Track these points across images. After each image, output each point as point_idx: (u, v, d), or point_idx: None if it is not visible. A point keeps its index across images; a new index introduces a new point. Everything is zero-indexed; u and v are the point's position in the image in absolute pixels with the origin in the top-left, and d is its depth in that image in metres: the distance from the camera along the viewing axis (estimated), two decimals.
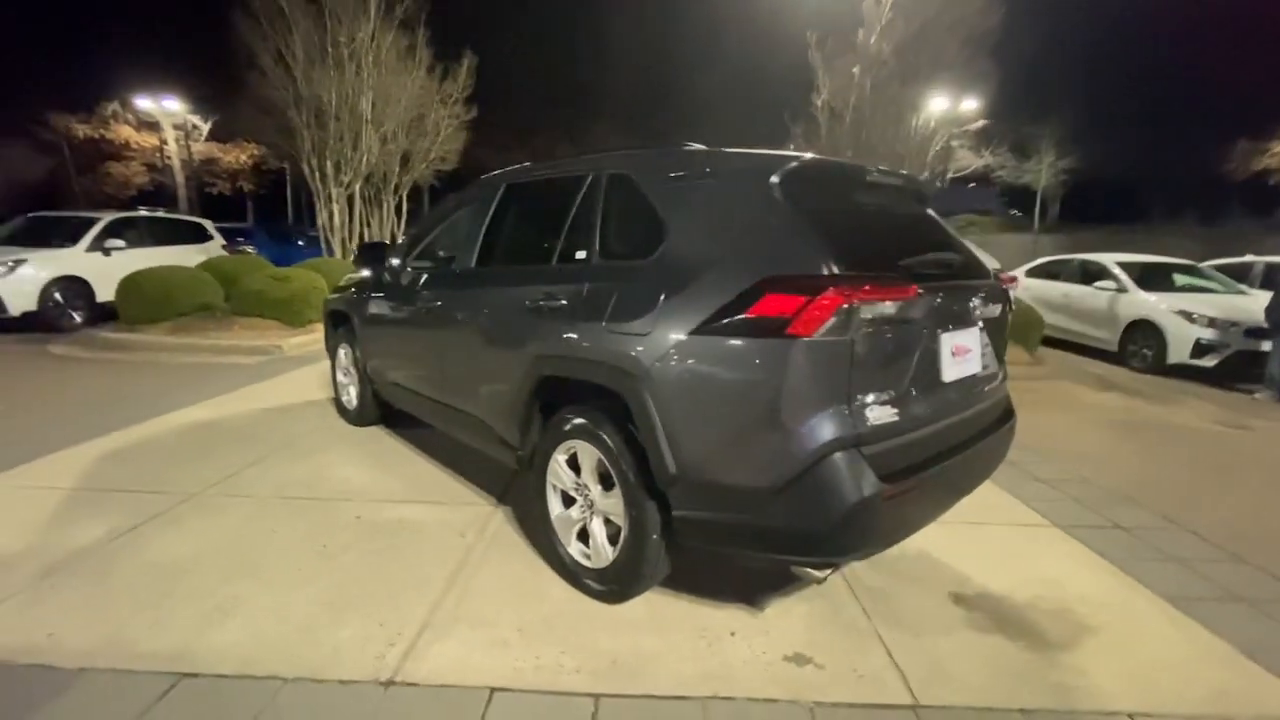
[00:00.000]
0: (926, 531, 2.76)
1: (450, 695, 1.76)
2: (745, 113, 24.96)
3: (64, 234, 8.32)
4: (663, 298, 1.92)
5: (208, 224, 10.83)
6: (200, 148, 28.50)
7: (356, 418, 4.24)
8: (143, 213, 9.73)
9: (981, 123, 23.54)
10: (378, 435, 4.08)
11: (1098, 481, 3.57)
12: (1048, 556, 2.70)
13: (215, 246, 10.38)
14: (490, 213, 2.89)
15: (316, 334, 6.58)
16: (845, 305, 1.64)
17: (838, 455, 1.70)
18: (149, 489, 3.10)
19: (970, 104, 22.61)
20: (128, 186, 29.57)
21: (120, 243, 8.65)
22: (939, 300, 1.98)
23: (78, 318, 7.95)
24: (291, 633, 2.02)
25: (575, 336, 2.18)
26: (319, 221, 11.57)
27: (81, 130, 26.76)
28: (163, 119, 25.42)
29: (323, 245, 11.57)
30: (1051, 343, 8.39)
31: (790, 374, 1.68)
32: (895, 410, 1.82)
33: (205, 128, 28.77)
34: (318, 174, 11.20)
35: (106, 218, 8.75)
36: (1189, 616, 2.25)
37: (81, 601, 2.16)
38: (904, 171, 2.47)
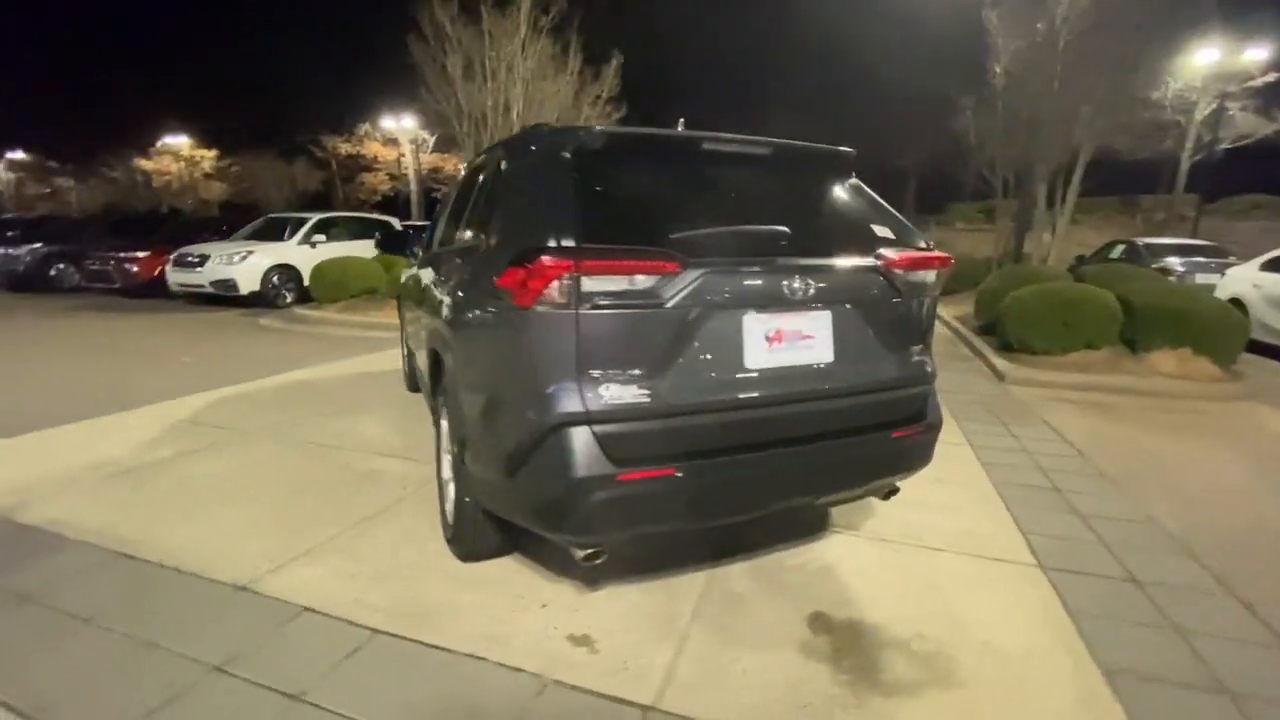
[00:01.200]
0: (857, 547, 2.47)
1: (272, 605, 2.08)
2: (915, 91, 22.36)
3: (284, 230, 10.57)
4: (474, 273, 2.02)
5: (395, 222, 12.87)
6: (428, 158, 33.47)
7: (409, 385, 4.89)
8: (339, 214, 11.92)
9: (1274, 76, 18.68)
10: (420, 400, 4.66)
11: (1164, 525, 2.79)
12: (984, 597, 2.23)
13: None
14: (451, 198, 3.18)
15: None
16: (564, 277, 1.59)
17: (565, 431, 1.66)
18: (224, 426, 3.95)
19: (1257, 53, 17.92)
20: (375, 193, 36.22)
21: (322, 237, 10.71)
22: (741, 279, 1.79)
23: (288, 297, 10.05)
24: (218, 539, 2.51)
25: (441, 311, 2.36)
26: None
27: (344, 148, 33.43)
28: (400, 135, 30.47)
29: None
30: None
31: (520, 345, 1.68)
32: (645, 391, 1.70)
33: (431, 141, 33.60)
34: None
35: (314, 217, 10.92)
36: (1117, 701, 1.73)
37: (114, 498, 2.90)
38: (779, 139, 2.20)
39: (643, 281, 1.65)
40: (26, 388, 5.09)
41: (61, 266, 11.24)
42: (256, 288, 9.73)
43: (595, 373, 1.67)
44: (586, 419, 1.65)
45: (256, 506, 2.82)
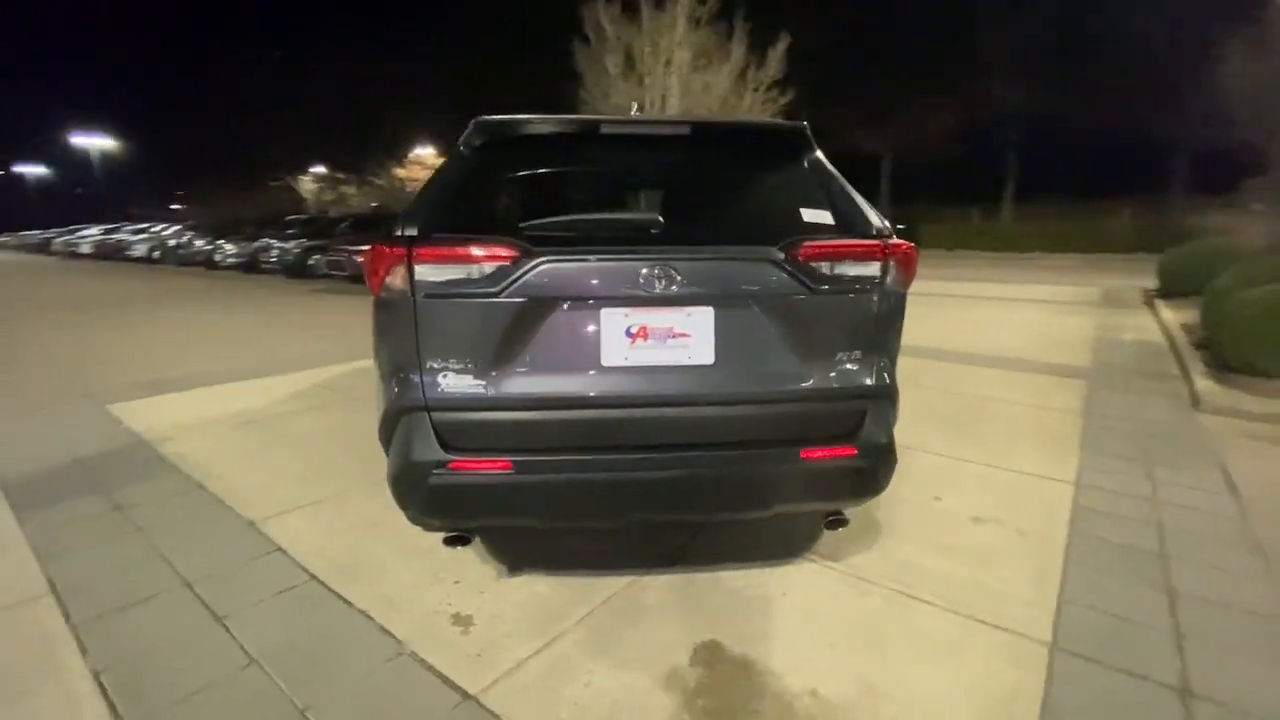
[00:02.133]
0: (821, 580, 2.20)
1: (259, 542, 2.47)
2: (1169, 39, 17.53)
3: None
4: None
5: None
6: None
7: None
8: None
9: None
10: None
11: None
12: (936, 669, 1.79)
13: None
14: None
15: None
16: (400, 265, 1.63)
17: (408, 415, 1.71)
18: (343, 390, 4.70)
19: None
20: None
21: None
22: (597, 270, 1.65)
23: None
24: (266, 481, 3.03)
25: None
26: None
27: None
28: None
29: None
30: None
31: (377, 331, 1.76)
32: (482, 382, 1.67)
33: None
34: None
35: None
36: None
37: (227, 441, 3.64)
38: (710, 117, 1.94)
39: (481, 270, 1.63)
40: (244, 351, 6.57)
41: (316, 257, 14.12)
42: None
43: (434, 361, 1.69)
44: (425, 406, 1.69)
45: (310, 459, 3.34)
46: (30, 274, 18.78)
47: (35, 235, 36.43)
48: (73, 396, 4.54)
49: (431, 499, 1.73)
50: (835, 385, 1.79)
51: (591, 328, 1.68)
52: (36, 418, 4.06)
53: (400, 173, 47.75)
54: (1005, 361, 5.67)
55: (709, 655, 1.84)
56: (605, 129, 1.88)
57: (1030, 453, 3.43)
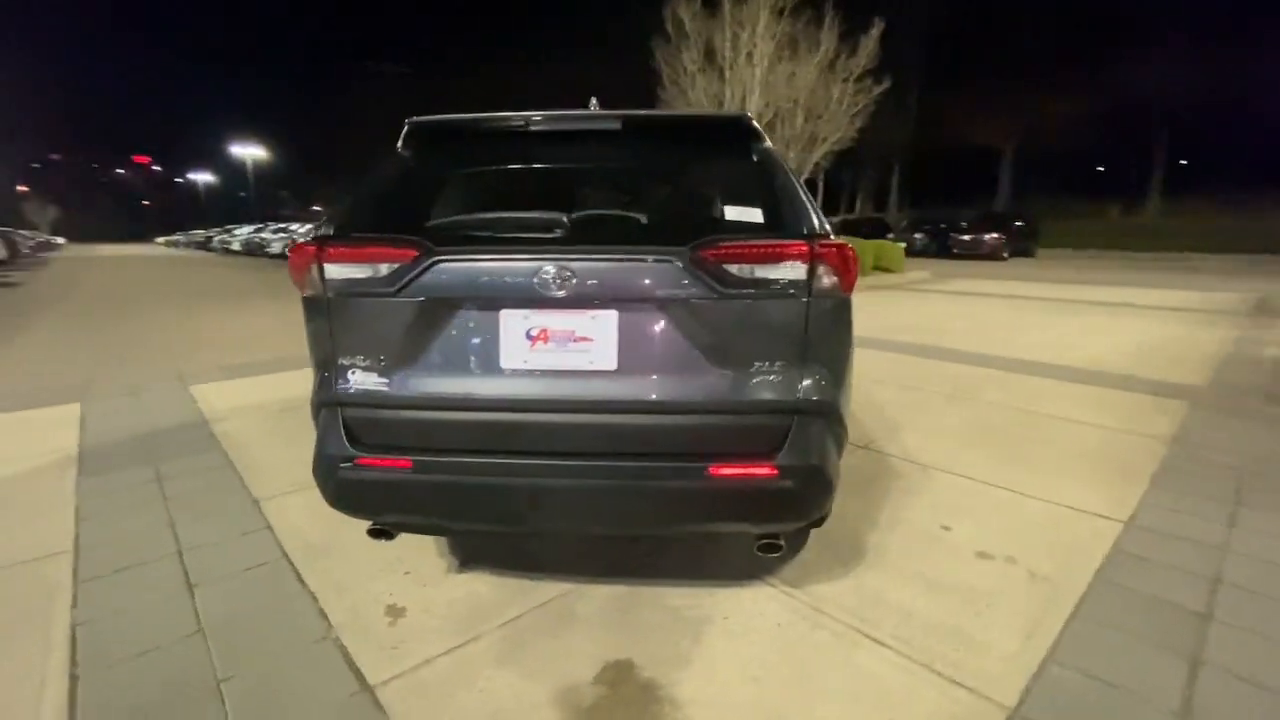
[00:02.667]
0: (769, 607, 2.08)
1: (255, 518, 2.66)
2: None
3: None
4: None
5: None
6: None
7: None
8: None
9: None
10: None
11: None
12: None
13: None
14: None
15: None
16: (312, 265, 1.67)
17: (325, 410, 1.76)
18: None
19: None
20: None
21: None
22: (496, 271, 1.61)
23: None
24: (286, 462, 3.26)
25: None
26: None
27: None
28: None
29: None
30: None
31: (306, 327, 1.82)
32: (384, 381, 1.68)
33: None
34: None
35: None
36: None
37: (270, 424, 3.97)
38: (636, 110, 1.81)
39: (383, 270, 1.64)
40: None
41: None
42: None
43: (345, 358, 1.73)
44: (337, 401, 1.74)
45: None
46: (186, 267, 21.63)
47: (199, 234, 42.12)
48: (169, 377, 5.15)
49: (340, 492, 1.78)
50: (750, 398, 1.64)
51: (490, 329, 1.65)
52: (135, 396, 4.65)
53: None
54: (1097, 377, 5.01)
55: (616, 675, 1.75)
56: (535, 126, 1.84)
57: (1082, 483, 2.99)
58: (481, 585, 2.19)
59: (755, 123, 1.82)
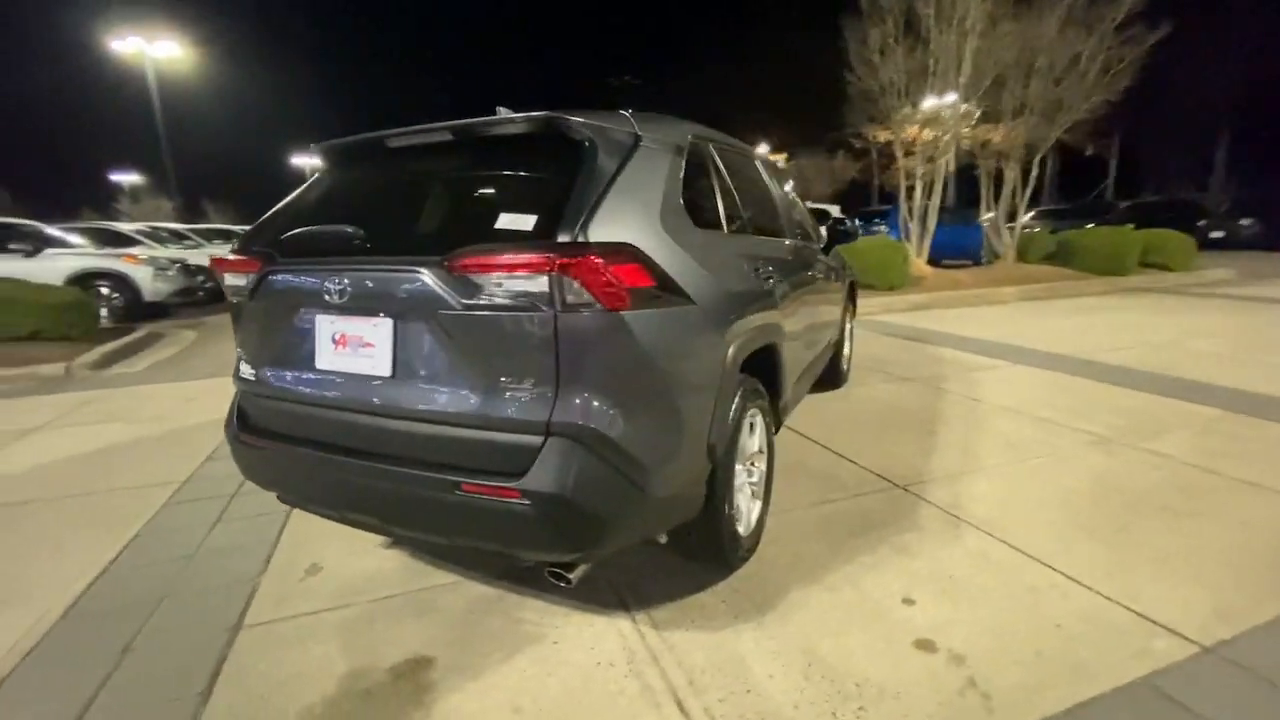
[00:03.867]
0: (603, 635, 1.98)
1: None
2: None
3: None
4: None
5: (833, 210, 13.04)
6: (977, 131, 30.71)
7: None
8: None
9: None
10: None
11: None
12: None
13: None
14: None
15: None
16: (220, 273, 2.01)
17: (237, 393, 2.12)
18: None
19: None
20: (910, 177, 35.76)
21: None
22: (307, 280, 1.76)
23: None
24: None
25: None
26: (900, 209, 11.71)
27: (882, 135, 34.19)
28: (943, 112, 29.06)
29: (900, 230, 11.69)
30: None
31: None
32: (252, 371, 1.96)
33: (976, 114, 30.74)
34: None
35: None
36: None
37: None
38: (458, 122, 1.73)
39: (246, 279, 1.92)
40: None
41: None
42: None
43: (237, 349, 2.07)
44: (237, 385, 2.09)
45: None
46: None
47: None
48: None
49: (238, 462, 2.13)
50: (498, 415, 1.54)
51: (310, 332, 1.82)
52: None
53: (884, 135, 50.61)
54: None
55: (410, 669, 1.81)
56: (390, 143, 1.96)
57: (1177, 580, 2.11)
58: (393, 562, 2.41)
59: (574, 120, 1.69)
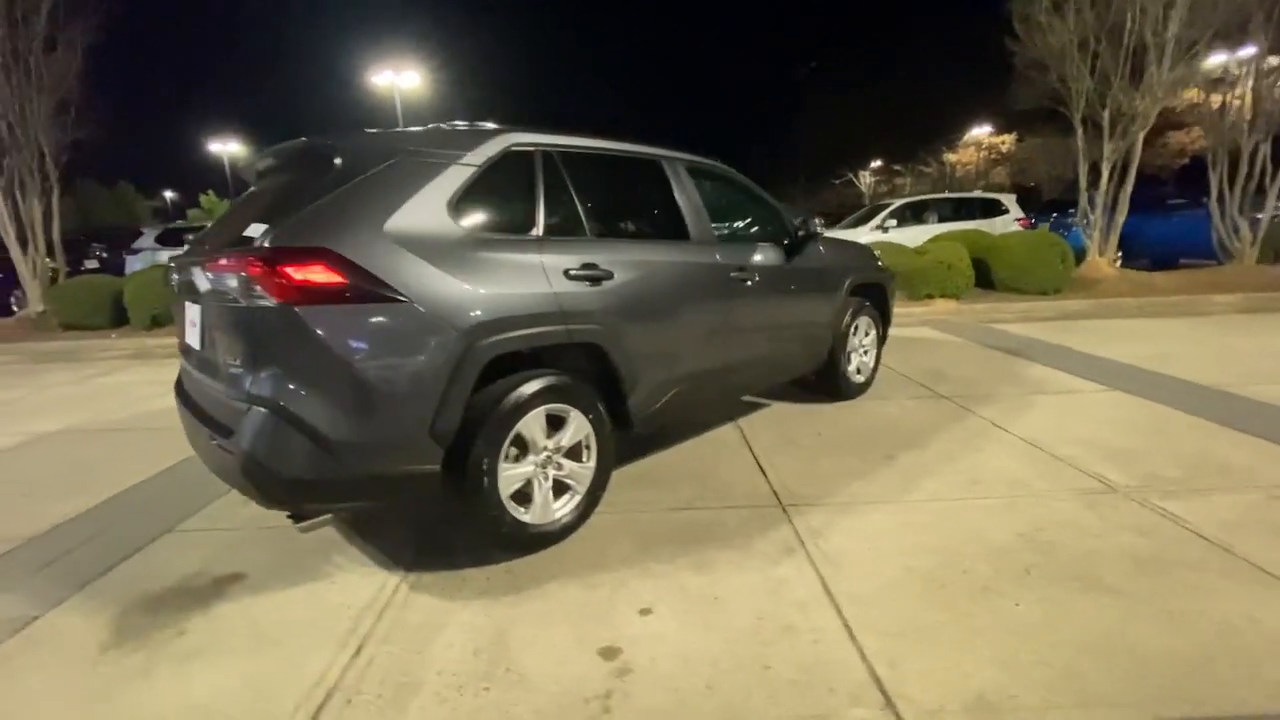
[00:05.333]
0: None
1: None
2: None
3: (862, 217, 11.39)
4: None
5: (1007, 200, 11.25)
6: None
7: None
8: (933, 196, 11.51)
9: None
10: None
11: None
12: None
13: (1004, 223, 10.81)
14: None
15: (925, 308, 7.17)
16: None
17: None
18: None
19: None
20: (1183, 155, 28.50)
21: (894, 222, 10.90)
22: (181, 271, 2.30)
23: None
24: None
25: None
26: (1080, 201, 9.48)
27: (1140, 104, 27.71)
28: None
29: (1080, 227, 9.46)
30: None
31: None
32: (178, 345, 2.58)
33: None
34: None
35: (896, 203, 11.16)
36: None
37: None
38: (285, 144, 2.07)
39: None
40: None
41: None
42: None
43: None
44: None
45: None
46: None
47: None
48: None
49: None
50: (226, 386, 1.93)
51: (187, 314, 2.39)
52: None
53: (951, 157, 45.23)
54: None
55: (229, 577, 2.31)
56: (257, 164, 2.45)
57: (979, 660, 1.76)
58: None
59: (325, 142, 1.99)
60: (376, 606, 2.09)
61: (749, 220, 3.73)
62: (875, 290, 4.36)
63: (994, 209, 11.11)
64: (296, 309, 1.82)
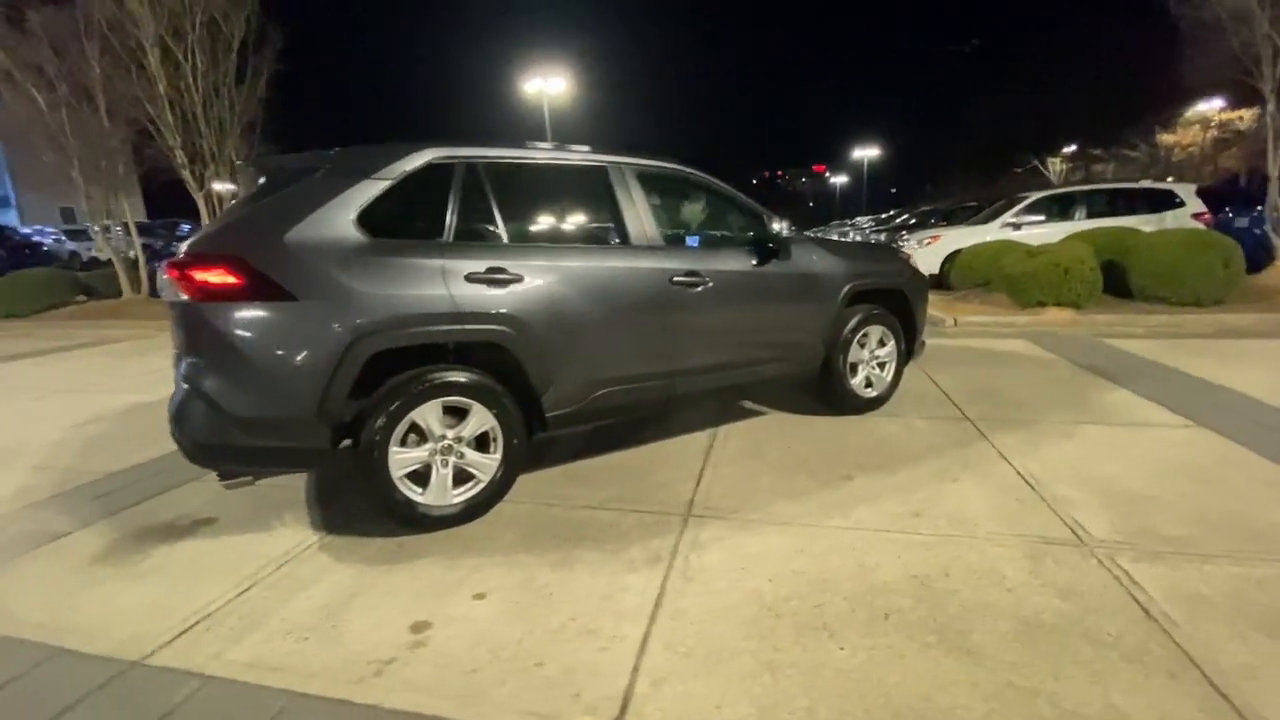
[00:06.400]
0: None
1: None
2: None
3: (995, 211, 10.12)
4: None
5: (1182, 191, 9.38)
6: None
7: None
8: (1083, 187, 9.90)
9: None
10: None
11: None
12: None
13: (1176, 219, 9.06)
14: None
15: (1031, 317, 6.45)
16: None
17: None
18: None
19: None
20: None
21: (1032, 218, 9.57)
22: None
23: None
24: None
25: None
26: (1269, 193, 7.40)
27: None
28: None
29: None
30: None
31: None
32: None
33: None
34: None
35: (1034, 196, 9.77)
36: None
37: None
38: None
39: None
40: None
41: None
42: (934, 272, 10.01)
43: None
44: None
45: None
46: None
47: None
48: None
49: None
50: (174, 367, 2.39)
51: None
52: None
53: (1167, 138, 37.75)
54: None
55: (193, 518, 2.83)
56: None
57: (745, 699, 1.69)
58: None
59: (264, 161, 2.36)
60: (283, 559, 2.46)
61: (717, 225, 3.63)
62: (893, 297, 3.99)
63: (1164, 202, 9.27)
64: (202, 305, 2.22)
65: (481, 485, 2.68)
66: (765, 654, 1.81)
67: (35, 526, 2.85)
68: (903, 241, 10.75)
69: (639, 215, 3.06)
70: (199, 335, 2.28)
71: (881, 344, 4.00)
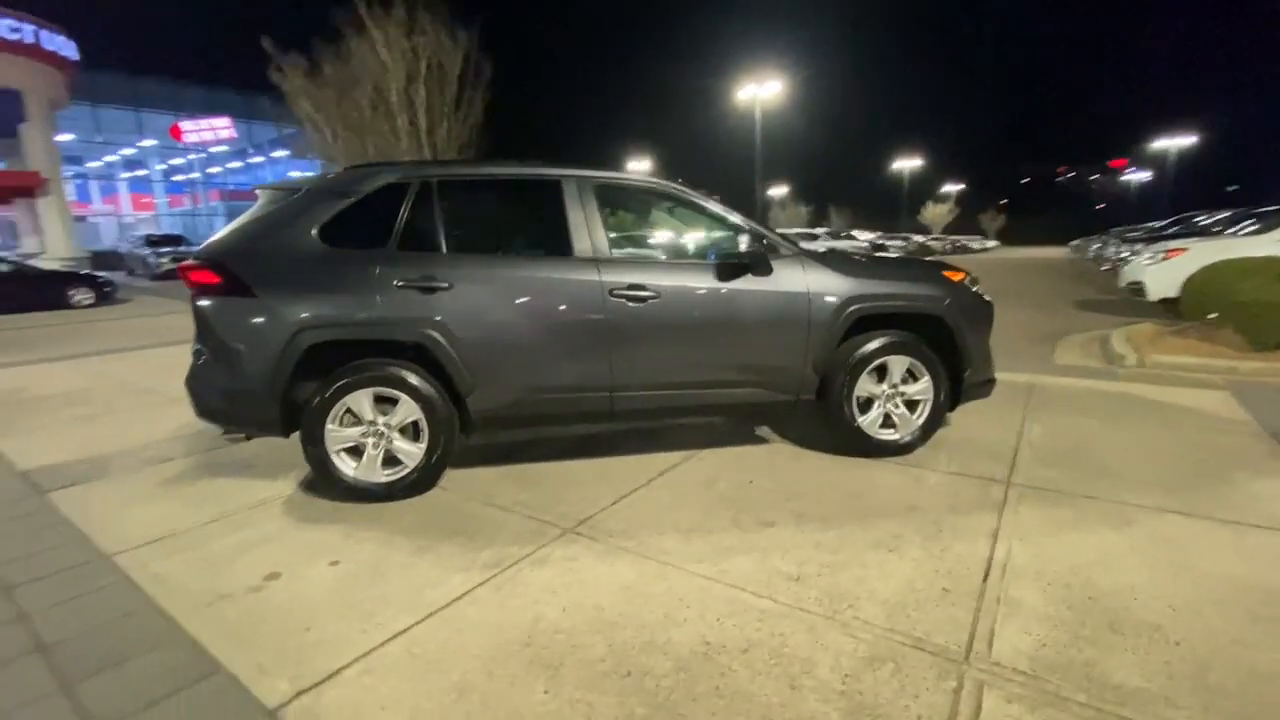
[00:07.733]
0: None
1: None
2: None
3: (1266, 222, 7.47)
4: None
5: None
6: None
7: None
8: None
9: None
10: None
11: None
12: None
13: None
14: None
15: (1269, 363, 5.00)
16: None
17: None
18: None
19: None
20: None
21: None
22: None
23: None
24: None
25: None
26: None
27: None
28: None
29: None
30: None
31: None
32: None
33: None
34: None
35: None
36: None
37: None
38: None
39: None
40: None
41: None
42: (1172, 295, 7.83)
43: None
44: None
45: None
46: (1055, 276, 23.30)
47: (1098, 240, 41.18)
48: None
49: None
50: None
51: None
52: None
53: None
54: None
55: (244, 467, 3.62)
56: None
57: None
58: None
59: (258, 187, 2.93)
60: (255, 505, 3.05)
61: (683, 238, 3.40)
62: (927, 324, 3.34)
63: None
64: (196, 298, 2.88)
65: (406, 470, 2.99)
66: (475, 678, 1.79)
67: (158, 453, 3.92)
68: (1130, 255, 8.58)
69: (586, 228, 3.08)
70: (200, 321, 2.97)
71: (911, 378, 3.38)
